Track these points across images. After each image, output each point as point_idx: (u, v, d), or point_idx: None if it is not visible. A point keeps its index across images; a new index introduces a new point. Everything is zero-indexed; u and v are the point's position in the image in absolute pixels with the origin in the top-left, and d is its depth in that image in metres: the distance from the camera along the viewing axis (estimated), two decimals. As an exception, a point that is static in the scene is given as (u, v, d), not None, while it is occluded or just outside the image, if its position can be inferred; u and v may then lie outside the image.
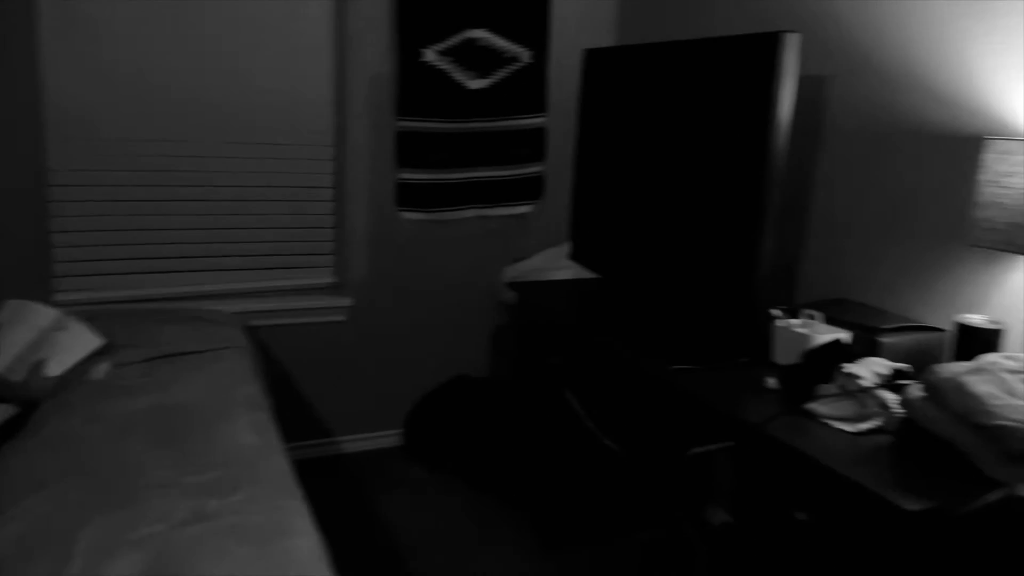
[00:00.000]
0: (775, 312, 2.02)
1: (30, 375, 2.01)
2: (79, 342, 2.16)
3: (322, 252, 3.10)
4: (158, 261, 2.84)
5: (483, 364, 3.38)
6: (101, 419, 1.83)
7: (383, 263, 3.12)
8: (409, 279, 3.18)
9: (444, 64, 2.95)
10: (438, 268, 3.22)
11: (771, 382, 1.87)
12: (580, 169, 2.82)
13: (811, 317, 1.96)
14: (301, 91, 2.91)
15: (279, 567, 1.33)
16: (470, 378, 3.27)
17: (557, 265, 3.05)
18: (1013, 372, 1.47)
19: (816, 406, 1.70)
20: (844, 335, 1.88)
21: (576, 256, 2.87)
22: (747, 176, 1.98)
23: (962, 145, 1.92)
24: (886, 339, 1.85)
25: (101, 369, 2.10)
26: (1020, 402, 1.41)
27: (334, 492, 2.91)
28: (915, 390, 1.55)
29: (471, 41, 2.98)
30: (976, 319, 1.79)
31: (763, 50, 1.92)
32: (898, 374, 1.69)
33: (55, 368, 2.06)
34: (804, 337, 1.89)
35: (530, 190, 3.25)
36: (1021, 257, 1.78)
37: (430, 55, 2.92)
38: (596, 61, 2.68)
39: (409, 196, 3.04)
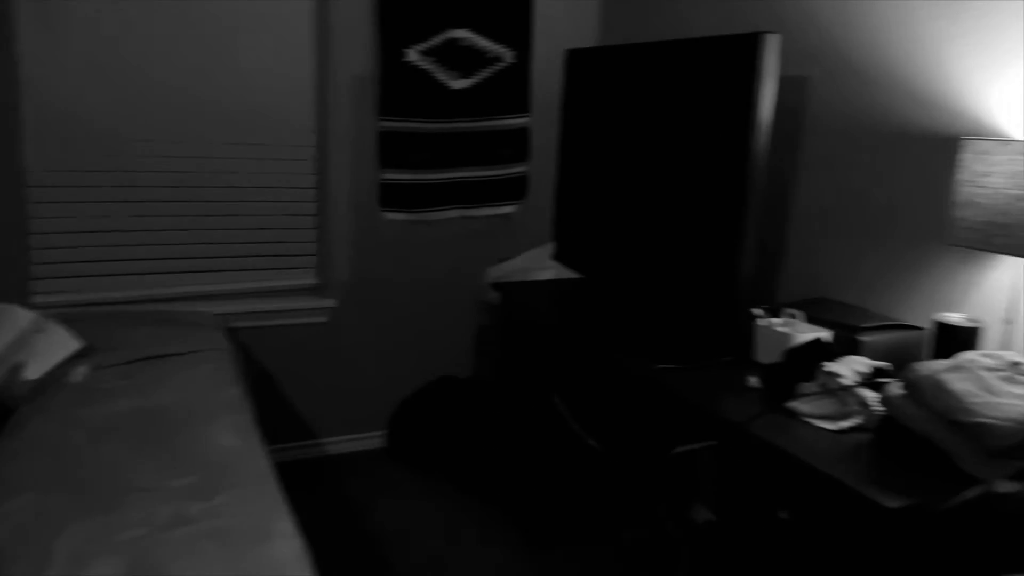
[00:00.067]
0: (757, 311, 2.03)
1: (8, 379, 1.98)
2: (57, 345, 2.14)
3: (304, 253, 3.08)
4: (138, 263, 2.81)
5: (467, 365, 3.38)
6: (80, 423, 1.81)
7: (366, 264, 3.11)
8: (392, 280, 3.17)
9: (427, 64, 2.95)
10: (421, 269, 3.21)
11: (753, 381, 1.88)
12: (564, 169, 2.82)
13: (792, 316, 1.97)
14: (283, 91, 2.89)
15: (261, 571, 1.32)
16: (454, 379, 3.26)
17: (541, 265, 3.05)
18: (991, 370, 1.48)
19: (798, 404, 1.71)
20: (825, 334, 1.89)
21: (560, 256, 2.87)
22: (729, 176, 1.99)
23: (940, 145, 1.94)
24: (866, 338, 1.86)
25: (80, 372, 2.08)
26: (998, 399, 1.42)
27: (317, 494, 2.90)
28: (895, 388, 1.56)
29: (454, 41, 2.97)
30: (954, 317, 1.80)
31: (743, 51, 1.93)
32: (878, 372, 1.71)
33: (33, 372, 2.03)
34: (786, 336, 1.90)
35: (514, 190, 3.25)
36: (998, 256, 1.80)
37: (413, 55, 2.92)
38: (579, 61, 2.68)
39: (392, 196, 3.03)
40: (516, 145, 3.20)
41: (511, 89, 3.12)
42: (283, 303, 3.02)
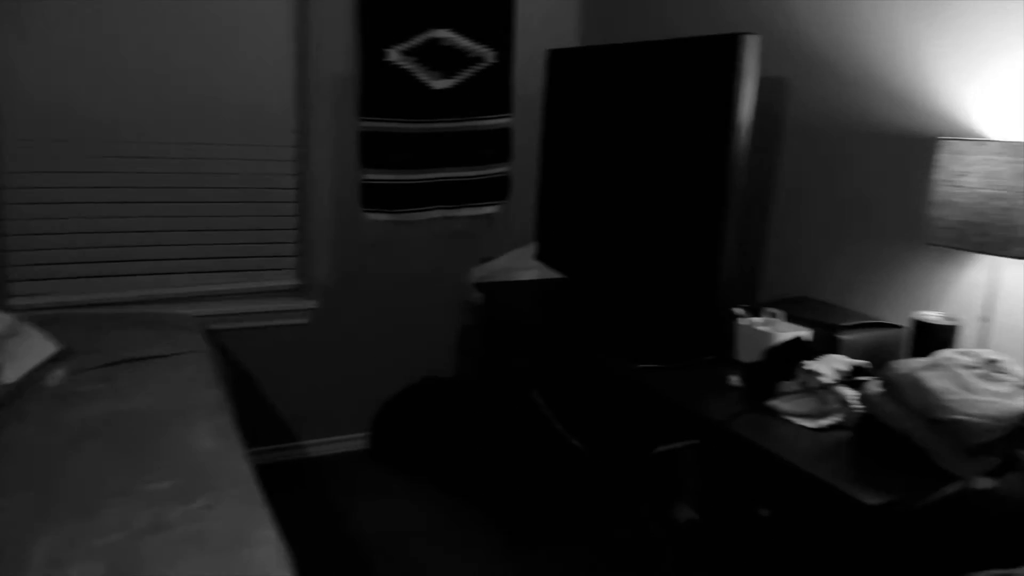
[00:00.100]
0: (738, 311, 2.04)
1: (-17, 383, 1.96)
2: (33, 348, 2.11)
3: (285, 254, 3.06)
4: (116, 264, 2.78)
5: (450, 365, 3.38)
6: (57, 427, 1.79)
7: (348, 265, 3.10)
8: (374, 281, 3.16)
9: (408, 64, 2.94)
10: (404, 269, 3.20)
11: (734, 380, 1.89)
12: (546, 170, 2.82)
13: (773, 315, 1.98)
14: (263, 90, 2.87)
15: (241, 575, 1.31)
16: (437, 379, 3.26)
17: (524, 265, 3.05)
18: (968, 367, 1.50)
19: (778, 403, 1.72)
20: (805, 333, 1.91)
21: (542, 256, 2.87)
22: (709, 176, 2.00)
23: (917, 145, 1.96)
24: (845, 336, 1.88)
25: (56, 376, 2.06)
26: (975, 397, 1.44)
27: (299, 497, 2.88)
28: (873, 386, 1.58)
29: (435, 41, 2.96)
30: (932, 316, 1.82)
31: (724, 51, 1.94)
32: (857, 370, 1.72)
33: (9, 375, 2.00)
34: (766, 335, 1.91)
35: (496, 191, 3.25)
36: (975, 255, 1.82)
37: (394, 55, 2.91)
38: (560, 62, 2.69)
39: (374, 197, 3.02)
40: (498, 145, 3.20)
41: (493, 89, 3.12)
42: (264, 304, 3.00)
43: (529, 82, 3.17)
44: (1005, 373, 1.50)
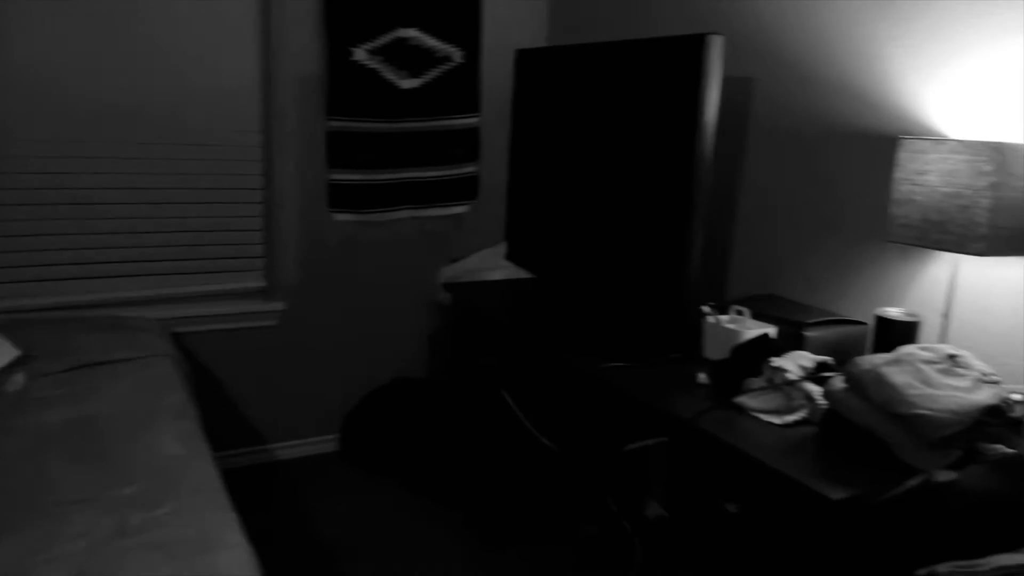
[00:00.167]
0: (705, 309, 2.06)
1: (-61, 389, 1.91)
2: (-8, 353, 2.07)
3: (251, 255, 3.03)
4: (77, 267, 2.73)
5: (420, 366, 3.36)
6: (16, 432, 1.75)
7: (315, 266, 3.07)
8: (343, 282, 3.14)
9: (374, 63, 2.92)
10: (373, 270, 3.18)
11: (702, 377, 1.90)
12: (515, 169, 2.82)
13: (740, 313, 2.00)
14: (226, 90, 2.83)
15: (207, 581, 1.30)
16: (407, 380, 3.24)
17: (493, 265, 3.05)
18: (929, 363, 1.53)
19: (745, 399, 1.74)
20: (771, 330, 1.93)
21: (512, 256, 2.87)
22: (676, 176, 2.02)
23: (880, 144, 1.99)
24: (810, 333, 1.90)
25: (17, 381, 2.02)
26: (936, 391, 1.46)
27: (268, 501, 2.85)
28: (837, 382, 1.60)
29: (402, 40, 2.95)
30: (894, 312, 1.85)
31: (689, 52, 1.95)
32: (822, 367, 1.74)
33: (-33, 381, 1.97)
34: (733, 333, 1.93)
35: (465, 190, 3.24)
36: (935, 252, 1.85)
37: (360, 54, 2.89)
38: (528, 61, 2.69)
39: (341, 197, 3.00)
40: (467, 145, 3.19)
41: (461, 89, 3.11)
42: (230, 307, 2.96)
43: (498, 82, 3.17)
44: (965, 368, 1.52)
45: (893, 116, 1.96)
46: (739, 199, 2.43)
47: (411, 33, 2.96)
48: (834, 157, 2.13)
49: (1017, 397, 1.49)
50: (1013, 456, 1.53)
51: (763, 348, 1.83)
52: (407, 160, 3.07)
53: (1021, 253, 1.66)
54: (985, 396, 1.46)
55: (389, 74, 2.95)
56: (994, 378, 1.52)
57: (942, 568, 1.41)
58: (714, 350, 1.99)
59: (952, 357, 1.54)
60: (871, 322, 1.90)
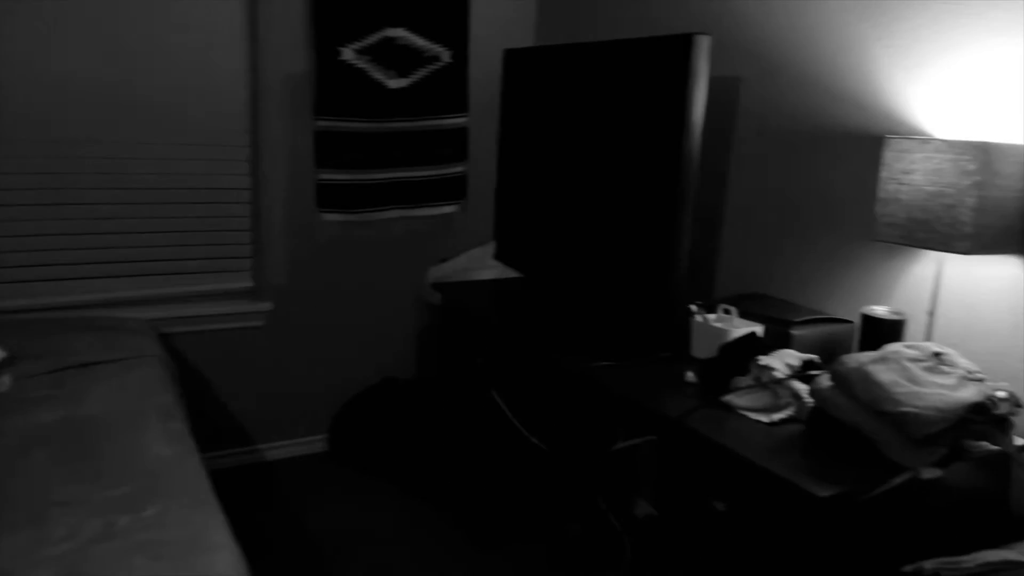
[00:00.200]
0: (693, 307, 2.06)
1: (-77, 391, 1.90)
2: (-23, 355, 2.05)
3: (239, 256, 3.02)
4: (64, 268, 2.71)
5: (409, 366, 3.36)
6: (4, 434, 1.74)
7: (304, 266, 3.06)
8: (331, 282, 3.13)
9: (362, 63, 2.91)
10: (361, 270, 3.18)
11: (690, 376, 1.91)
12: (503, 169, 2.83)
13: (727, 312, 2.01)
14: (214, 89, 2.82)
15: (195, 582, 1.29)
16: (396, 380, 3.24)
17: (482, 265, 3.05)
18: (914, 360, 1.54)
19: (733, 398, 1.75)
20: (758, 329, 1.94)
21: (501, 256, 2.87)
22: (664, 175, 2.02)
23: (866, 144, 2.01)
24: (797, 331, 1.91)
25: (3, 382, 2.00)
26: (921, 389, 1.47)
27: (257, 501, 2.84)
28: (824, 380, 1.61)
29: (390, 40, 2.95)
30: (880, 310, 1.86)
31: (675, 51, 1.96)
32: (808, 365, 1.75)
33: (-49, 383, 1.95)
34: (720, 331, 1.94)
35: (453, 190, 3.24)
36: (920, 250, 1.86)
37: (348, 54, 2.88)
38: (516, 61, 2.69)
39: (330, 197, 2.99)
40: (455, 145, 3.19)
41: (449, 89, 3.11)
42: (218, 307, 2.95)
43: (486, 82, 3.17)
44: (950, 365, 1.54)
45: (879, 116, 1.98)
46: (726, 198, 2.44)
47: (399, 33, 2.96)
48: (821, 156, 2.14)
49: (1001, 394, 1.50)
50: (998, 453, 1.54)
51: (750, 347, 1.84)
52: (395, 160, 3.07)
53: (1005, 251, 1.68)
54: (970, 394, 1.47)
55: (377, 74, 2.95)
56: (979, 376, 1.53)
57: (928, 564, 1.42)
58: (702, 349, 2.00)
59: (937, 355, 1.55)
60: (857, 320, 1.91)
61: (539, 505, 2.63)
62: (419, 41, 3.00)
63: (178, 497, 1.53)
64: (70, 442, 1.73)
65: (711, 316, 2.02)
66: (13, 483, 1.55)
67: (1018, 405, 1.52)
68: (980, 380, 1.52)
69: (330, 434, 3.22)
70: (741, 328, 1.94)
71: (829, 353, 1.82)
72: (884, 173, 1.75)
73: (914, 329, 1.86)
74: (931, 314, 1.80)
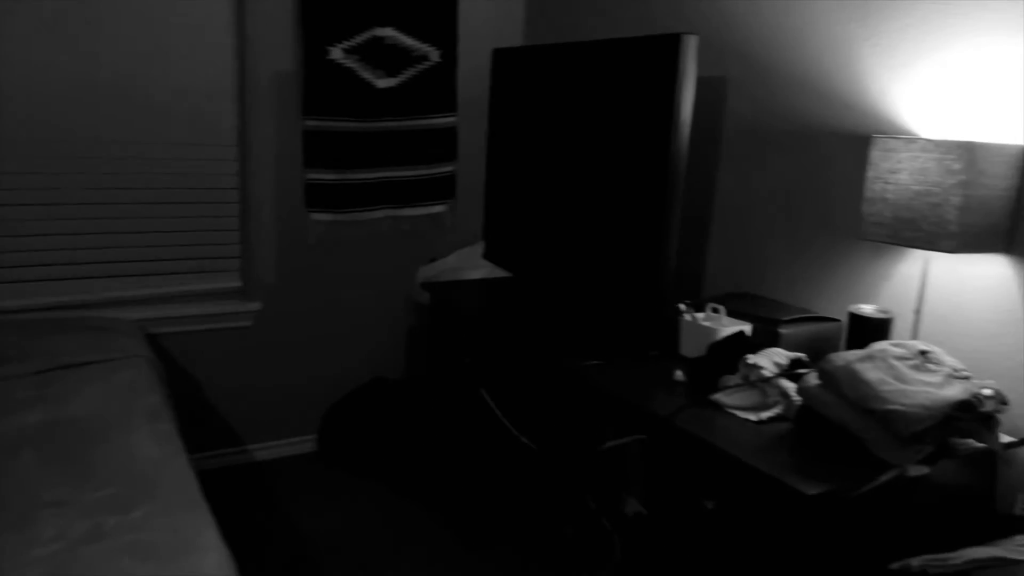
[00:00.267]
0: (681, 306, 2.07)
1: (-93, 393, 1.88)
2: (-37, 356, 2.04)
3: (228, 256, 3.00)
4: (51, 268, 2.70)
5: (399, 365, 3.36)
6: (-11, 436, 1.73)
7: (293, 266, 3.05)
8: (320, 282, 3.12)
9: (351, 62, 2.91)
10: (350, 270, 3.17)
11: (679, 374, 1.91)
12: (492, 168, 2.83)
13: (715, 311, 2.02)
14: (202, 89, 2.81)
15: (183, 584, 1.29)
16: (386, 380, 3.23)
17: (472, 264, 3.05)
18: (901, 359, 1.55)
19: (721, 396, 1.75)
20: (746, 327, 1.94)
21: (490, 255, 2.87)
22: (652, 174, 2.03)
23: (853, 143, 2.02)
24: (785, 330, 1.92)
25: (-12, 383, 1.99)
26: (908, 387, 1.48)
27: (246, 502, 2.83)
28: (812, 378, 1.62)
29: (378, 39, 2.94)
30: (867, 309, 1.87)
31: (663, 51, 1.96)
32: (796, 363, 1.76)
33: (-64, 384, 1.93)
34: (709, 330, 1.95)
35: (442, 190, 3.24)
36: (907, 249, 1.88)
37: (336, 53, 2.87)
38: (505, 61, 2.69)
39: (318, 197, 2.99)
40: (444, 144, 3.19)
41: (438, 88, 3.11)
42: (206, 307, 2.94)
43: (475, 81, 3.17)
44: (936, 363, 1.55)
45: (866, 115, 1.99)
46: (714, 197, 2.45)
47: (387, 32, 2.95)
48: (808, 156, 2.15)
49: (987, 392, 1.51)
50: (983, 451, 1.56)
51: (739, 345, 1.85)
52: (384, 160, 3.07)
53: (990, 250, 1.69)
54: (956, 391, 1.48)
55: (365, 73, 2.94)
56: (965, 373, 1.54)
57: (915, 561, 1.43)
58: (690, 348, 2.01)
59: (924, 353, 1.56)
60: (845, 319, 1.92)
61: (529, 504, 2.63)
62: (407, 40, 3.00)
63: (166, 498, 1.53)
64: (58, 443, 1.72)
65: (699, 315, 2.03)
66: (1, 484, 1.54)
67: (1003, 403, 1.53)
68: (966, 378, 1.53)
69: (319, 434, 3.21)
70: (729, 327, 1.94)
71: (817, 351, 1.83)
72: (871, 172, 1.76)
73: (901, 327, 1.87)
74: (917, 312, 1.82)
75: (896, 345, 1.59)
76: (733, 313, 2.01)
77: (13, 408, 1.87)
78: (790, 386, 1.69)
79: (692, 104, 1.97)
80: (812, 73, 2.12)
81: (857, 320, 1.86)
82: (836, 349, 1.92)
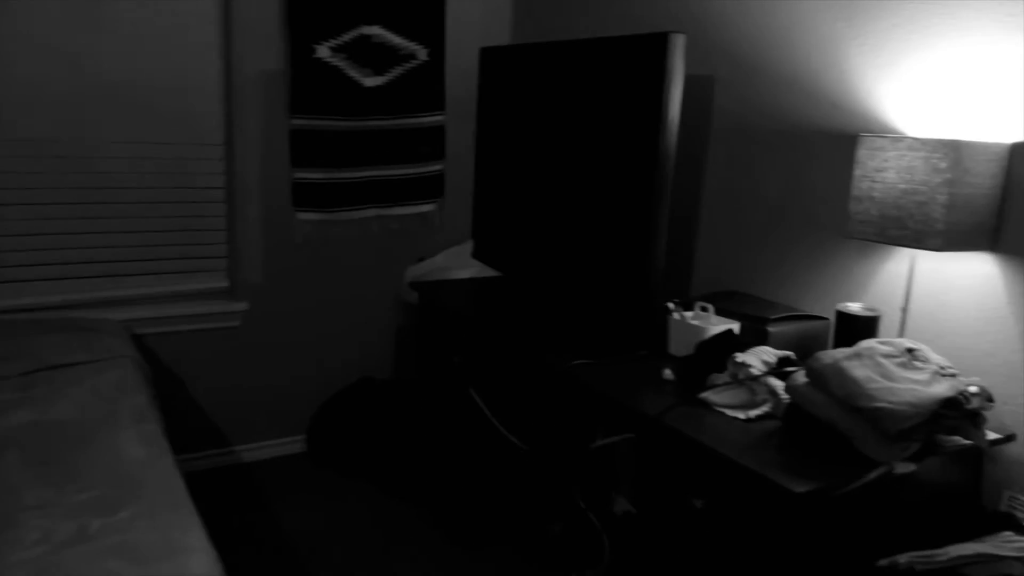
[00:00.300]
0: (670, 305, 2.07)
1: None
2: (-55, 357, 2.02)
3: (214, 255, 2.99)
4: (35, 268, 2.67)
5: (387, 365, 3.35)
6: (-29, 439, 1.71)
7: (280, 266, 3.04)
8: (308, 281, 3.11)
9: (338, 61, 2.89)
10: (338, 269, 3.16)
11: (667, 373, 1.92)
12: (481, 167, 2.82)
13: (704, 309, 2.02)
14: (188, 88, 2.79)
15: (170, 586, 1.28)
16: (374, 380, 3.22)
17: (460, 264, 3.04)
18: (888, 356, 1.55)
19: (710, 395, 1.75)
20: (735, 326, 1.95)
21: (479, 254, 2.87)
22: (640, 173, 2.03)
23: (840, 142, 2.02)
24: (773, 328, 1.93)
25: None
26: (895, 385, 1.49)
27: (233, 503, 2.82)
28: (799, 376, 1.62)
29: (366, 38, 2.93)
30: (854, 307, 1.88)
31: (651, 50, 1.96)
32: (784, 361, 1.77)
33: (-82, 386, 1.91)
34: (697, 329, 1.95)
35: (431, 189, 3.23)
36: (893, 247, 1.88)
37: (323, 51, 2.86)
38: (492, 60, 2.68)
39: (306, 196, 2.97)
40: (432, 143, 3.18)
41: (425, 87, 3.10)
42: (192, 307, 2.92)
43: (463, 80, 3.16)
44: (923, 361, 1.55)
45: (853, 114, 1.99)
46: (703, 196, 2.45)
47: (375, 30, 2.94)
48: (796, 155, 2.16)
49: (973, 389, 1.52)
50: (970, 448, 1.57)
51: (727, 344, 1.85)
52: (372, 158, 3.05)
53: (975, 248, 1.70)
54: (943, 389, 1.49)
55: (353, 72, 2.93)
56: (951, 371, 1.55)
57: (902, 558, 1.44)
58: (679, 346, 2.01)
59: (911, 351, 1.57)
60: (832, 317, 1.93)
61: (518, 504, 2.62)
62: (395, 39, 2.99)
63: (152, 500, 1.52)
64: (42, 445, 1.70)
65: (688, 314, 2.03)
66: (-18, 488, 1.53)
67: (989, 400, 1.54)
68: (952, 375, 1.54)
69: (307, 435, 3.20)
70: (718, 325, 1.95)
71: (805, 350, 1.83)
72: (858, 171, 1.76)
73: (888, 325, 1.88)
74: (904, 310, 1.82)
75: (883, 343, 1.60)
76: (721, 311, 2.02)
77: (-3, 409, 1.85)
78: (778, 384, 1.70)
79: (680, 103, 1.97)
80: (800, 72, 2.13)
81: (844, 318, 1.87)
82: (824, 347, 1.93)
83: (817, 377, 1.57)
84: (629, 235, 2.08)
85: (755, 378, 1.72)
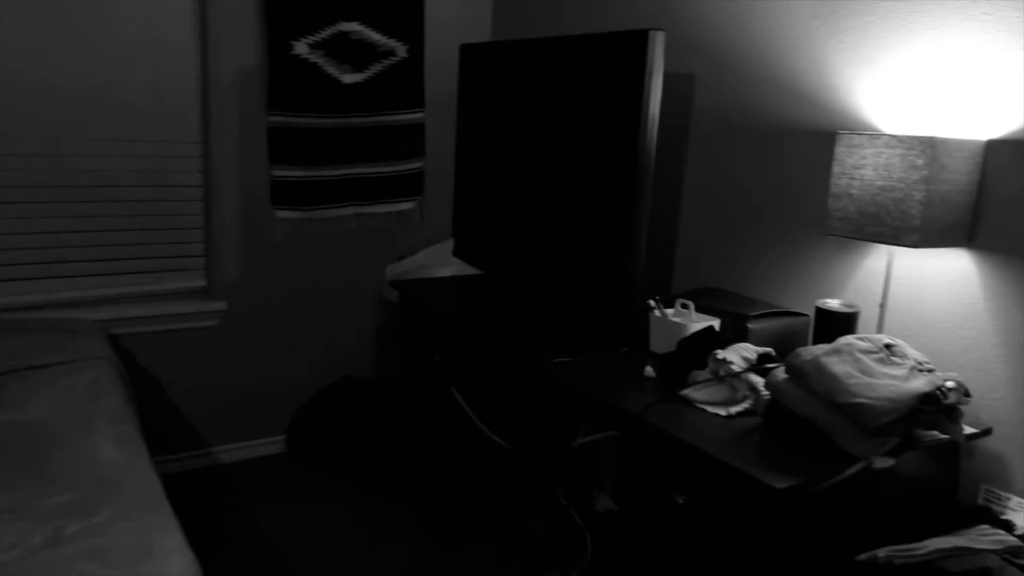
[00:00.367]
0: (651, 303, 2.08)
1: None
2: (-85, 359, 1.98)
3: (191, 254, 2.95)
4: (8, 268, 2.63)
5: (368, 364, 3.33)
6: (-57, 442, 1.68)
7: (258, 264, 3.01)
8: (287, 280, 3.08)
9: (316, 57, 2.87)
10: (318, 268, 3.13)
11: (649, 370, 1.92)
12: (461, 165, 2.81)
13: (684, 306, 2.03)
14: (163, 85, 2.76)
15: (147, 589, 1.26)
16: (355, 379, 3.20)
17: (441, 262, 3.03)
18: (867, 352, 1.56)
19: (691, 392, 1.76)
20: (715, 323, 1.95)
21: (459, 252, 2.86)
22: (620, 170, 2.03)
23: (818, 140, 2.04)
24: (753, 325, 1.93)
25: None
26: (873, 380, 1.50)
27: (212, 505, 2.79)
28: (779, 373, 1.63)
29: (344, 34, 2.91)
30: (833, 303, 1.89)
31: (631, 47, 1.97)
32: (765, 358, 1.77)
33: None
34: (678, 326, 1.95)
35: (411, 186, 3.21)
36: (871, 244, 1.90)
37: (301, 48, 2.84)
38: (472, 57, 2.68)
39: (284, 194, 2.95)
40: (412, 141, 3.16)
41: (405, 84, 3.08)
42: (169, 307, 2.89)
43: (443, 77, 3.15)
44: (901, 357, 1.57)
45: (831, 112, 2.01)
46: (683, 194, 2.46)
47: (353, 27, 2.92)
48: (775, 152, 2.17)
49: (950, 384, 1.54)
50: (947, 442, 1.58)
51: (708, 341, 1.86)
52: (351, 156, 3.03)
53: (952, 244, 1.72)
54: (920, 384, 1.50)
55: (331, 68, 2.91)
56: (928, 366, 1.56)
57: (882, 552, 1.45)
58: (660, 344, 2.01)
59: (889, 347, 1.58)
60: (812, 313, 1.94)
61: (500, 502, 2.62)
62: (374, 35, 2.97)
63: (129, 502, 1.50)
64: (16, 447, 1.67)
65: (669, 311, 2.04)
66: (-45, 491, 1.50)
67: (966, 395, 1.56)
68: (930, 371, 1.55)
69: (288, 435, 3.18)
70: (698, 322, 1.95)
71: (785, 346, 1.84)
72: (836, 168, 1.77)
73: (866, 321, 1.89)
74: (882, 306, 1.84)
75: (862, 339, 1.61)
76: (702, 309, 2.02)
77: (-31, 412, 1.82)
78: (758, 381, 1.70)
79: (660, 100, 1.97)
80: (778, 70, 2.14)
81: (823, 314, 1.88)
82: (803, 343, 1.94)
83: (797, 373, 1.58)
84: (610, 233, 2.08)
85: (735, 375, 1.72)
